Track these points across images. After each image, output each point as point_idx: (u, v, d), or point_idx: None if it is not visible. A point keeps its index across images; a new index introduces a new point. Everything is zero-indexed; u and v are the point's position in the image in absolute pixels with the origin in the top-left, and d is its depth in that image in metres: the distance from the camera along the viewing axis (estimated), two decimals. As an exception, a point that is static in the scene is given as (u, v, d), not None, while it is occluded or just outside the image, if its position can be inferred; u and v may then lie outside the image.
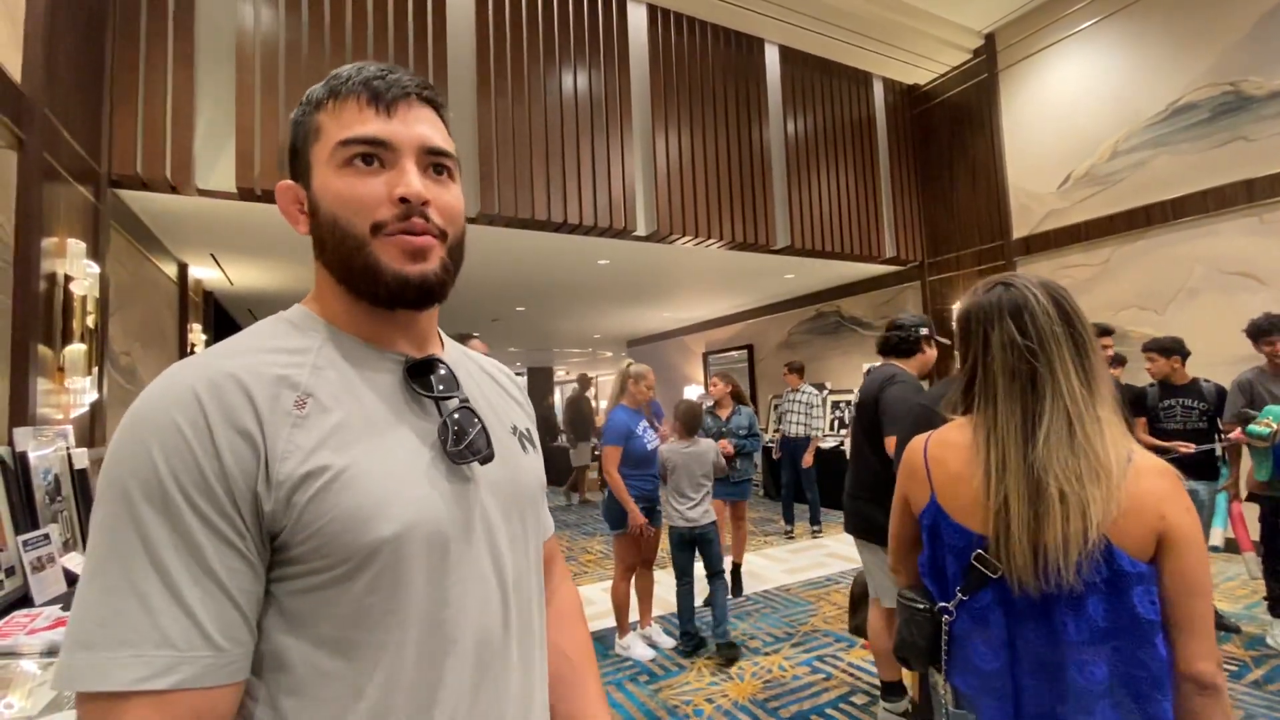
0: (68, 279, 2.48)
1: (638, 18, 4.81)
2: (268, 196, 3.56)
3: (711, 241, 5.07)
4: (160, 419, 0.48)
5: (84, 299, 2.57)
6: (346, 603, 0.51)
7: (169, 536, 0.46)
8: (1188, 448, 3.15)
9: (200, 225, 4.13)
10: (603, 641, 3.28)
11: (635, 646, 3.16)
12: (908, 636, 1.02)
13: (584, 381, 8.58)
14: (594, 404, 8.94)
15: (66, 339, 2.47)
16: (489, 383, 0.74)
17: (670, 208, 4.78)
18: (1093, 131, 5.09)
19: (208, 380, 0.50)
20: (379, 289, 0.57)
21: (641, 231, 4.75)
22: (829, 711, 2.50)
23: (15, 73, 2.15)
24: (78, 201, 2.76)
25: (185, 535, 0.47)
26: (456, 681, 0.55)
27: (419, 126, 0.59)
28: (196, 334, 5.15)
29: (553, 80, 4.38)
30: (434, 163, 0.59)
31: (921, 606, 1.00)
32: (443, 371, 0.62)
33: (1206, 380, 3.36)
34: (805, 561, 4.82)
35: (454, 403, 0.61)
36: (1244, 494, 3.15)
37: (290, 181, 0.61)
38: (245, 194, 3.53)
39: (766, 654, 3.11)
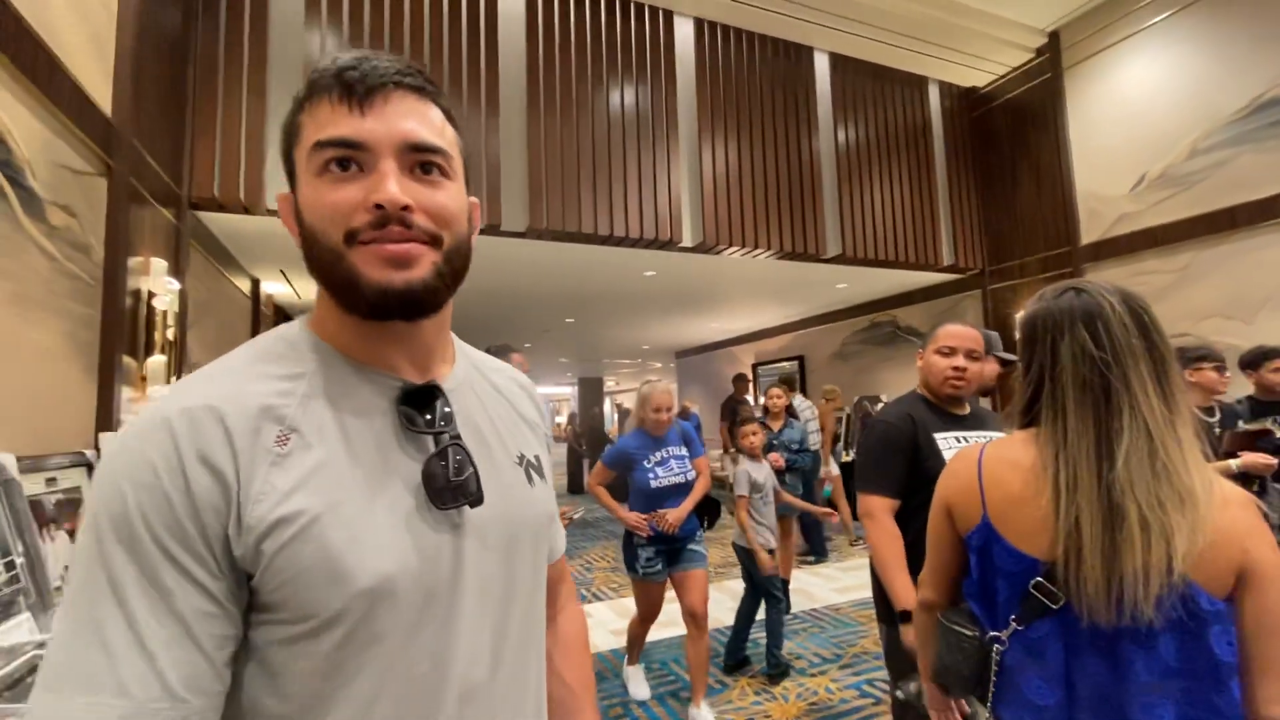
0: (150, 295, 2.67)
1: (684, 31, 4.85)
2: (330, 215, 3.76)
3: (760, 251, 5.02)
4: (134, 453, 0.46)
5: (165, 313, 2.77)
6: (318, 657, 0.48)
7: (135, 577, 0.44)
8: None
9: (271, 244, 4.39)
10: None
11: (634, 681, 2.96)
12: (950, 663, 0.97)
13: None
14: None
15: (149, 350, 2.67)
16: (500, 405, 0.68)
17: (717, 218, 4.77)
18: (1168, 130, 4.79)
19: (185, 412, 0.47)
20: (359, 301, 0.52)
21: (688, 243, 4.75)
22: (878, 737, 2.41)
23: (105, 104, 2.34)
24: (160, 223, 2.98)
25: (152, 576, 0.44)
26: None
27: (400, 122, 0.53)
28: (267, 345, 5.46)
29: (600, 96, 4.46)
30: (421, 161, 0.54)
31: (970, 633, 0.94)
32: (437, 402, 0.58)
33: (1300, 395, 3.09)
34: (856, 580, 4.67)
35: (444, 439, 0.56)
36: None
37: (286, 192, 0.58)
38: (310, 213, 3.73)
39: (812, 675, 3.02)
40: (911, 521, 1.62)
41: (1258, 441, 2.69)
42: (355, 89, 0.52)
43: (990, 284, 6.17)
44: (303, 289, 5.93)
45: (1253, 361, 3.07)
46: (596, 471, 2.91)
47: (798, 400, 5.63)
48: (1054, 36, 5.54)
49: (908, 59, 5.57)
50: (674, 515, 2.65)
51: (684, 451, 2.80)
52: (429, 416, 0.56)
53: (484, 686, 0.56)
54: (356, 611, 0.48)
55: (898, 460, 1.65)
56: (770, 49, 5.14)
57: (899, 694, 1.57)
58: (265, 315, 5.73)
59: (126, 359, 2.48)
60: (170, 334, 2.83)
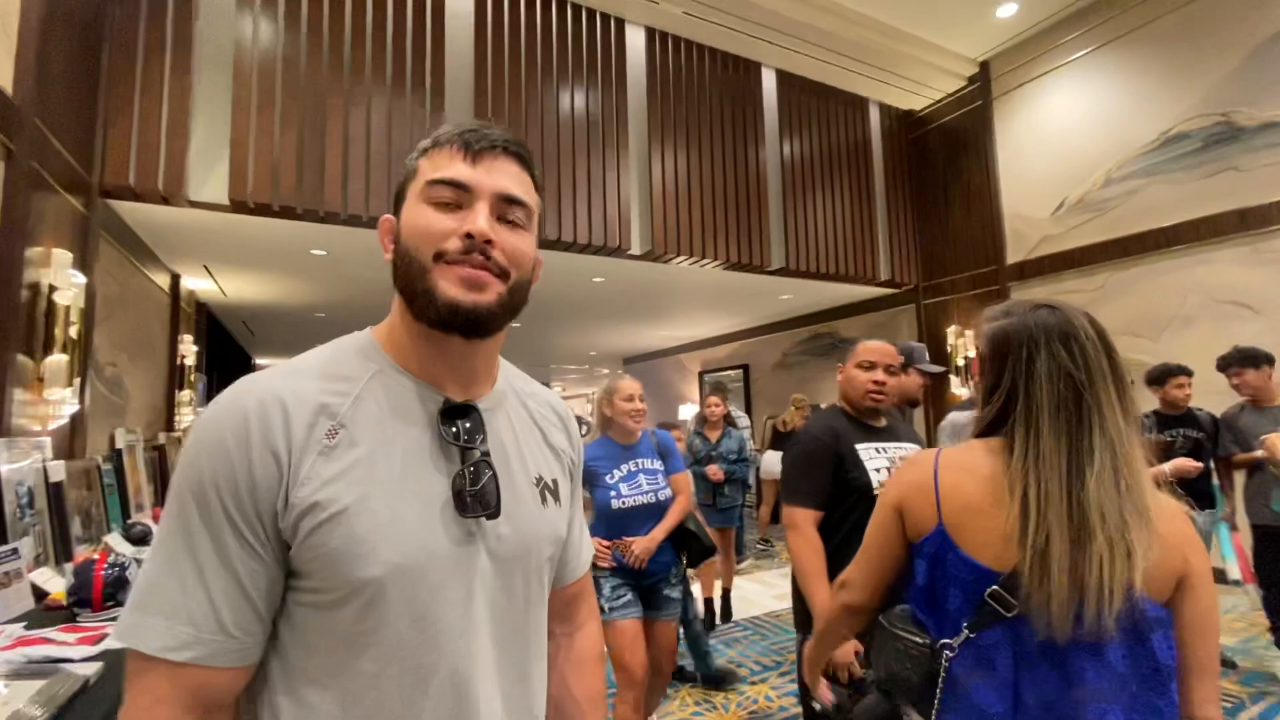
0: (51, 289, 2.46)
1: (636, 39, 4.86)
2: (260, 209, 3.56)
3: (707, 261, 5.07)
4: (215, 430, 0.57)
5: (67, 309, 2.55)
6: (338, 626, 0.57)
7: (205, 533, 0.55)
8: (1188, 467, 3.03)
9: (193, 237, 4.12)
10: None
11: None
12: (899, 671, 0.94)
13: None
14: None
15: (48, 349, 2.45)
16: (529, 430, 0.76)
17: (665, 227, 4.79)
18: (1086, 159, 5.12)
19: (259, 400, 0.58)
20: (432, 311, 0.62)
21: (636, 250, 4.75)
22: (815, 744, 2.44)
23: (6, 82, 2.15)
24: (67, 211, 2.75)
25: (217, 535, 0.55)
26: None
27: (500, 177, 0.65)
28: (188, 345, 5.13)
29: (550, 99, 4.41)
30: (508, 210, 0.65)
31: (920, 641, 0.92)
32: (472, 420, 0.66)
33: (1200, 409, 3.34)
34: (742, 593, 4.75)
35: (475, 454, 0.65)
36: (1238, 524, 3.12)
37: (389, 215, 0.69)
38: (238, 206, 3.53)
39: (753, 683, 3.04)
40: (834, 532, 1.66)
41: (1165, 453, 2.90)
42: (471, 145, 0.64)
43: (924, 299, 6.43)
44: (229, 286, 5.60)
45: (1159, 378, 3.29)
46: None
47: (737, 410, 5.68)
48: (984, 66, 5.86)
49: (850, 79, 5.76)
50: (640, 545, 2.17)
51: (658, 465, 2.30)
52: (464, 431, 0.65)
53: (484, 685, 0.62)
54: (368, 593, 0.57)
55: (821, 472, 1.68)
56: (720, 62, 5.21)
57: (815, 705, 1.57)
58: (186, 313, 5.38)
59: (20, 358, 2.27)
60: (74, 331, 2.61)
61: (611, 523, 2.22)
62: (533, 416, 0.77)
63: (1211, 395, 3.47)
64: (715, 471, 3.80)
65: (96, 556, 1.80)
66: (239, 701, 0.59)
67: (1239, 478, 3.17)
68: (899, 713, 1.01)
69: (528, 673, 0.68)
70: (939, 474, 0.93)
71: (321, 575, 0.56)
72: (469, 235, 0.61)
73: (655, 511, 2.24)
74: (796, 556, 1.65)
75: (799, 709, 2.75)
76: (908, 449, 1.75)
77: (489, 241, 0.62)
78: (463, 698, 0.60)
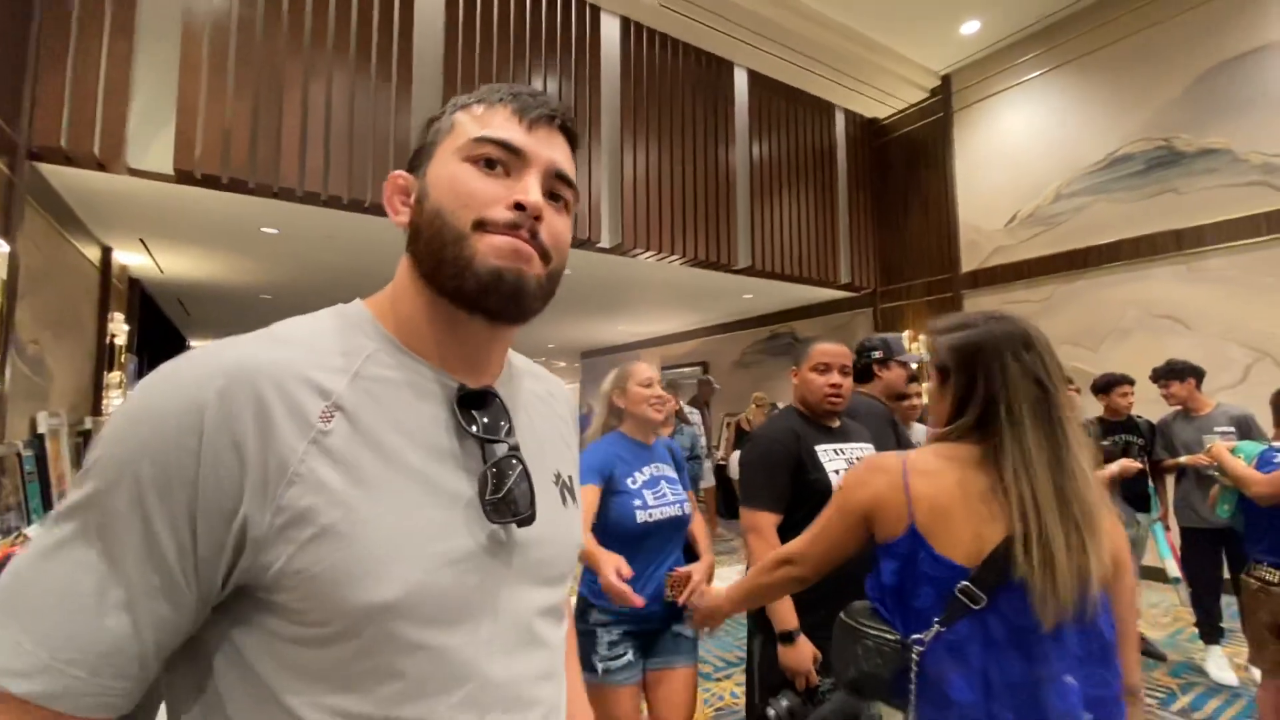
0: (-30, 256, 2.23)
1: (611, 30, 4.79)
2: (209, 181, 3.33)
3: (674, 258, 5.06)
4: (158, 401, 0.43)
5: (-12, 280, 2.32)
6: (327, 666, 0.45)
7: (101, 527, 0.41)
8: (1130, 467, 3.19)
9: (130, 208, 3.83)
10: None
11: None
12: (870, 669, 0.97)
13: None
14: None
15: (-36, 323, 2.22)
16: (544, 416, 0.67)
17: (635, 221, 4.74)
18: (1038, 174, 5.35)
19: (225, 370, 0.44)
20: (469, 281, 0.52)
21: (605, 243, 4.69)
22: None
23: (-78, 23, 1.92)
24: (-12, 172, 2.50)
25: (114, 534, 0.41)
26: None
27: (554, 151, 0.57)
28: (118, 324, 4.78)
29: (522, 84, 4.29)
30: (555, 189, 0.57)
31: (891, 638, 0.96)
32: (497, 409, 0.56)
33: (1139, 416, 3.53)
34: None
35: (501, 448, 0.55)
36: (1174, 525, 3.32)
37: (402, 171, 0.59)
38: (183, 177, 3.29)
39: (717, 679, 3.05)
40: (794, 534, 1.62)
41: (1105, 459, 3.07)
42: (528, 110, 0.56)
43: (881, 303, 6.60)
44: (166, 262, 5.25)
45: (1105, 386, 3.47)
46: (588, 497, 1.66)
47: (689, 407, 5.68)
48: (946, 80, 6.04)
49: (820, 84, 5.84)
50: (708, 601, 1.40)
51: (674, 474, 1.86)
52: (486, 422, 0.55)
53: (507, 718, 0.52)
54: (379, 622, 0.45)
55: (781, 475, 1.65)
56: (694, 58, 5.19)
57: (770, 711, 1.49)
58: (118, 289, 5.01)
59: (-67, 332, 2.05)
60: (-5, 305, 2.38)
61: (627, 544, 1.63)
62: (550, 404, 0.68)
63: (1148, 403, 3.68)
64: None
65: (16, 550, 1.64)
66: None
67: (1170, 481, 3.38)
68: (859, 712, 1.02)
69: (558, 702, 0.59)
70: (909, 479, 0.97)
71: (312, 601, 0.44)
72: (518, 206, 0.52)
73: (678, 528, 1.77)
74: (754, 555, 1.62)
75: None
76: (864, 449, 1.76)
77: (538, 218, 0.53)
78: None
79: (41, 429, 3.13)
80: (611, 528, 1.65)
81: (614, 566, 1.50)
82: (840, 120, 6.34)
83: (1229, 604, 3.04)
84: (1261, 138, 4.15)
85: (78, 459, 3.64)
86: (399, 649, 0.46)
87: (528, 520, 0.53)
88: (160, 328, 7.86)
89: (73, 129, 2.96)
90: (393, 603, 0.45)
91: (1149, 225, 4.64)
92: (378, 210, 3.80)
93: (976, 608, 0.89)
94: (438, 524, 0.49)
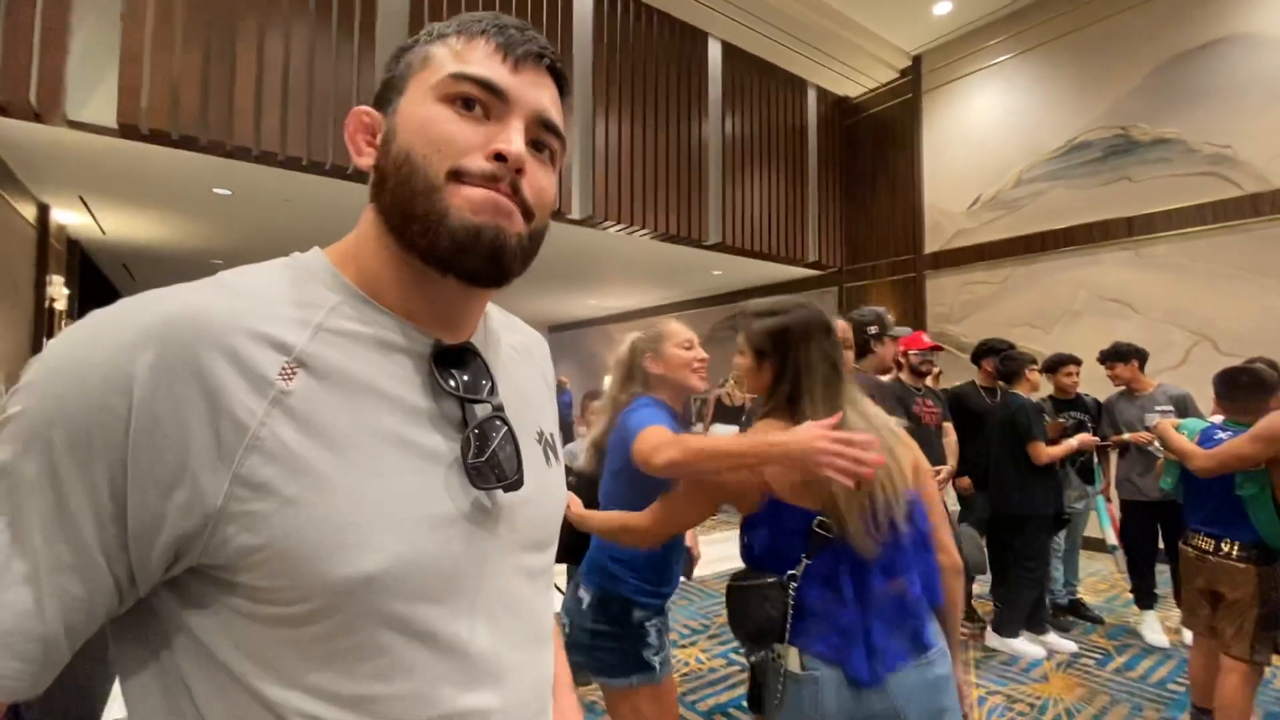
0: (-108, 210, 2.06)
1: (584, -7, 4.66)
2: (156, 136, 3.15)
3: (644, 231, 5.02)
4: (81, 352, 0.38)
5: (-86, 235, 2.15)
6: (309, 644, 0.41)
7: (7, 489, 0.37)
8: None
9: (69, 163, 3.59)
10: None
11: None
12: (763, 617, 1.09)
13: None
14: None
15: (-113, 282, 2.06)
16: (525, 371, 0.62)
17: (606, 193, 4.69)
18: (1001, 158, 5.47)
19: (163, 320, 0.39)
20: (442, 239, 0.46)
21: (576, 215, 4.63)
22: (745, 704, 2.54)
23: None
24: (-91, 118, 2.31)
25: (20, 498, 0.37)
26: None
27: (542, 94, 0.51)
28: (57, 287, 4.51)
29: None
30: (540, 138, 0.51)
31: (771, 580, 1.10)
32: (477, 367, 0.52)
33: (1086, 395, 3.70)
34: (720, 553, 4.91)
35: (484, 409, 0.50)
36: (1115, 497, 3.51)
37: (364, 107, 0.51)
38: (127, 131, 3.10)
39: (683, 646, 3.12)
40: None
41: (1062, 433, 3.22)
42: (515, 46, 0.49)
43: (846, 282, 6.71)
44: (109, 222, 4.97)
45: (1051, 366, 3.61)
46: (663, 431, 1.34)
47: None
48: (917, 60, 6.09)
49: (792, 59, 5.82)
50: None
51: None
52: (467, 380, 0.50)
53: (497, 692, 0.49)
54: (360, 596, 0.42)
55: None
56: (668, 28, 5.11)
57: (753, 658, 1.57)
58: (56, 250, 4.73)
59: None
60: (-78, 263, 2.21)
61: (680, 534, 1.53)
62: (528, 355, 0.63)
63: (1095, 383, 3.86)
64: None
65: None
66: None
67: (1113, 456, 3.56)
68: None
69: (545, 675, 0.56)
70: None
71: (282, 578, 0.40)
72: (499, 156, 0.46)
73: None
74: None
75: (729, 669, 2.86)
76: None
77: (520, 170, 0.47)
78: (479, 708, 0.48)
79: (-24, 397, 2.96)
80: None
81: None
82: (812, 97, 6.35)
83: (1162, 572, 3.24)
84: (1213, 129, 4.32)
85: (17, 429, 3.47)
86: (382, 624, 0.43)
87: (515, 485, 0.50)
88: (103, 293, 7.47)
89: (6, 76, 2.74)
90: (375, 575, 0.42)
91: (1103, 211, 4.81)
92: (339, 173, 3.65)
93: (831, 537, 1.05)
94: (418, 489, 0.45)
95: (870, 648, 1.04)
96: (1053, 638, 3.08)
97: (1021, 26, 5.31)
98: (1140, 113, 4.63)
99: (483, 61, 0.48)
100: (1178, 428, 2.26)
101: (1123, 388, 3.45)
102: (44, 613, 0.37)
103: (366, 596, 0.42)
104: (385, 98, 0.51)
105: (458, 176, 0.46)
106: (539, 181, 0.50)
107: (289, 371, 0.42)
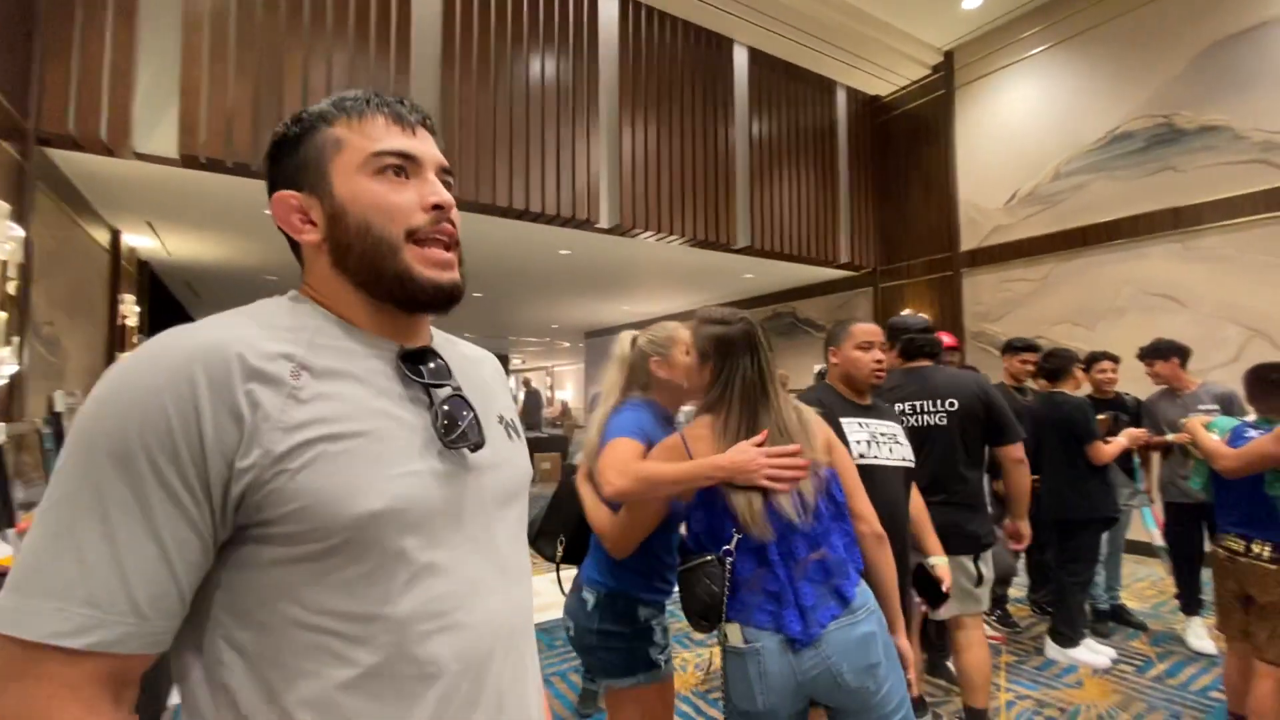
0: (-13, 241, 2.32)
1: (609, 8, 4.78)
2: (213, 165, 3.40)
3: (674, 238, 5.10)
4: (145, 377, 0.49)
5: (4, 264, 2.41)
6: (326, 573, 0.52)
7: (123, 496, 0.47)
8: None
9: (137, 191, 3.91)
10: (550, 633, 3.29)
11: None
12: (707, 594, 1.21)
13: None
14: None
15: (-16, 305, 2.32)
16: (474, 372, 0.74)
17: (634, 201, 4.78)
18: (1038, 152, 5.33)
19: (204, 346, 0.51)
20: (414, 293, 0.61)
21: (605, 224, 4.74)
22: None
23: (-67, 14, 1.99)
24: (1, 159, 2.58)
25: (142, 499, 0.47)
26: (460, 662, 0.57)
27: (434, 149, 0.65)
28: (129, 305, 4.88)
29: (520, 64, 4.32)
30: (445, 180, 0.65)
31: (710, 558, 1.23)
32: (436, 360, 0.65)
33: (1126, 394, 3.59)
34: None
35: (446, 390, 0.63)
36: (1158, 499, 3.38)
37: (290, 192, 0.62)
38: (188, 161, 3.36)
39: (709, 644, 3.17)
40: None
41: (1110, 428, 3.13)
42: (405, 118, 0.63)
43: (881, 282, 6.63)
44: (173, 245, 5.34)
45: (1086, 364, 3.50)
46: (627, 449, 1.37)
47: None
48: (949, 56, 5.98)
49: (820, 61, 5.81)
50: None
51: None
52: (432, 367, 0.64)
53: (504, 622, 0.62)
54: (370, 530, 0.53)
55: None
56: (693, 36, 5.18)
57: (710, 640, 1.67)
58: (127, 271, 5.11)
59: (-45, 314, 2.14)
60: (11, 288, 2.47)
61: (673, 530, 1.52)
62: (470, 359, 0.76)
63: (1135, 381, 3.73)
64: None
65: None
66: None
67: (1155, 457, 3.44)
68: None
69: (522, 601, 0.66)
70: (689, 446, 1.30)
71: (309, 520, 0.51)
72: (436, 207, 0.61)
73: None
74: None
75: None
76: (889, 428, 1.85)
77: (450, 209, 0.63)
78: (493, 639, 0.59)
79: (59, 407, 3.25)
80: (679, 509, 1.46)
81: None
82: (841, 98, 6.31)
83: (1210, 577, 3.12)
84: (1262, 115, 4.12)
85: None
86: (382, 553, 0.54)
87: (479, 444, 0.62)
88: (170, 309, 7.98)
89: (79, 114, 3.02)
90: (378, 511, 0.53)
91: (1147, 203, 4.64)
92: (379, 192, 3.85)
93: None
94: (405, 450, 0.57)
95: (800, 608, 1.18)
96: (1087, 645, 3.00)
97: (1055, 18, 5.18)
98: (1184, 100, 4.45)
99: (389, 135, 0.62)
100: (1209, 426, 2.20)
101: (1164, 386, 3.34)
102: (177, 579, 0.49)
103: (372, 530, 0.53)
104: (305, 180, 0.61)
105: (412, 235, 0.60)
106: (456, 213, 0.65)
107: (296, 373, 0.54)
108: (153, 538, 0.48)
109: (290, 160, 0.62)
